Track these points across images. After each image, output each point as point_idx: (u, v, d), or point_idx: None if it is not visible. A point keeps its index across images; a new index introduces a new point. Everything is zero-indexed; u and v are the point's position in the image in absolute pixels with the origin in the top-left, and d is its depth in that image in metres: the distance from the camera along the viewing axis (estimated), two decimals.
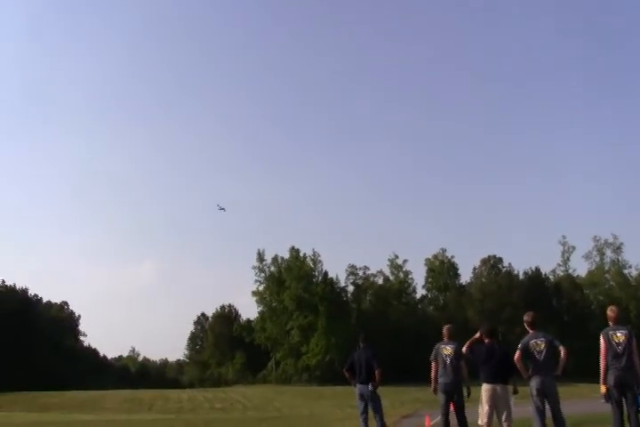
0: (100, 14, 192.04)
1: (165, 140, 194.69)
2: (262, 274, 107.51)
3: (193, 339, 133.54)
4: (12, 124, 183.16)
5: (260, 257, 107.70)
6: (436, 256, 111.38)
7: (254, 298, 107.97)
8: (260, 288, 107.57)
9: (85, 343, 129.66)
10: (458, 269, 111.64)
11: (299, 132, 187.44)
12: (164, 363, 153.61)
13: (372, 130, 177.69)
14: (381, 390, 13.27)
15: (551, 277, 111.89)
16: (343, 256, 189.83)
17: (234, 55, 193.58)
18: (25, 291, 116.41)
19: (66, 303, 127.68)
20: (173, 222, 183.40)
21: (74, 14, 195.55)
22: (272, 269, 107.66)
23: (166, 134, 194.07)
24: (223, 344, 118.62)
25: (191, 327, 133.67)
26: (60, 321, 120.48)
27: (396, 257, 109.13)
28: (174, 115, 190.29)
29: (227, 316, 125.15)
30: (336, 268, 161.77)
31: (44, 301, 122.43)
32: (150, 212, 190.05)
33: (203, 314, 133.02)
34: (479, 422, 11.68)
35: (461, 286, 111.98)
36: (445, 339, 12.58)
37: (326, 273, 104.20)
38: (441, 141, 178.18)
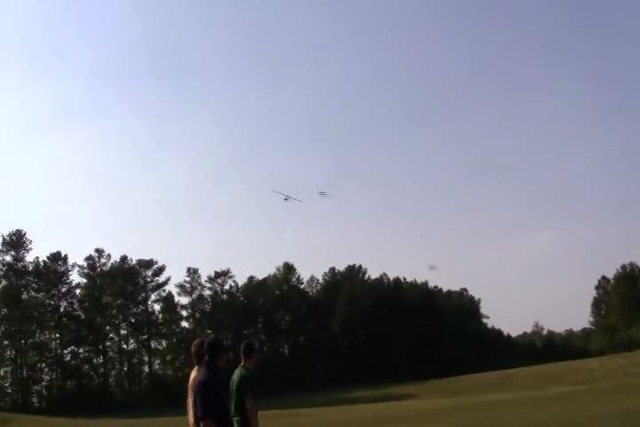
0: None
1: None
2: None
3: (597, 304, 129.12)
4: None
5: None
6: None
7: None
8: None
9: (489, 325, 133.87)
10: None
11: None
12: (570, 333, 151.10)
13: None
14: None
15: None
16: None
17: None
18: (425, 284, 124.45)
19: (465, 290, 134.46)
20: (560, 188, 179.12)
21: None
22: None
23: None
24: (630, 305, 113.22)
25: (593, 293, 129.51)
26: (462, 307, 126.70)
27: None
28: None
29: (629, 275, 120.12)
30: None
31: (444, 290, 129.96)
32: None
33: (603, 277, 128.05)
34: None
35: None
36: None
37: None
38: None
